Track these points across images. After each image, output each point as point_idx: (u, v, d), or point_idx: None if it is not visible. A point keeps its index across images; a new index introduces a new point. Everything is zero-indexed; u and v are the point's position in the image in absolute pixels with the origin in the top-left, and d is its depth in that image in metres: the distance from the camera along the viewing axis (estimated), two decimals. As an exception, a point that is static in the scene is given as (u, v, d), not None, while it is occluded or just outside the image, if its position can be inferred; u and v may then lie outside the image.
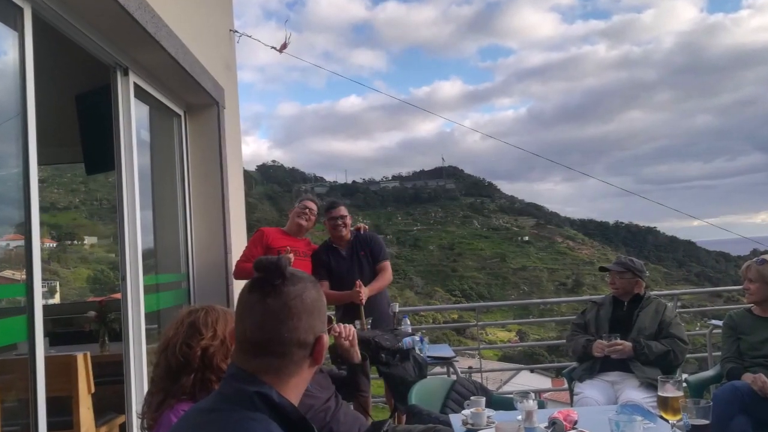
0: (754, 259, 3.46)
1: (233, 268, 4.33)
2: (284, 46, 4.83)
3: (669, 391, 2.23)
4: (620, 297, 3.72)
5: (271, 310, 1.13)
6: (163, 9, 3.23)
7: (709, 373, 3.69)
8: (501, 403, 2.99)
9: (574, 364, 3.75)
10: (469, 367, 5.71)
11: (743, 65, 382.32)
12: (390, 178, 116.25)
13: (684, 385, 3.14)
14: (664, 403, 2.24)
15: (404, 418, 3.35)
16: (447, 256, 77.83)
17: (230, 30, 5.15)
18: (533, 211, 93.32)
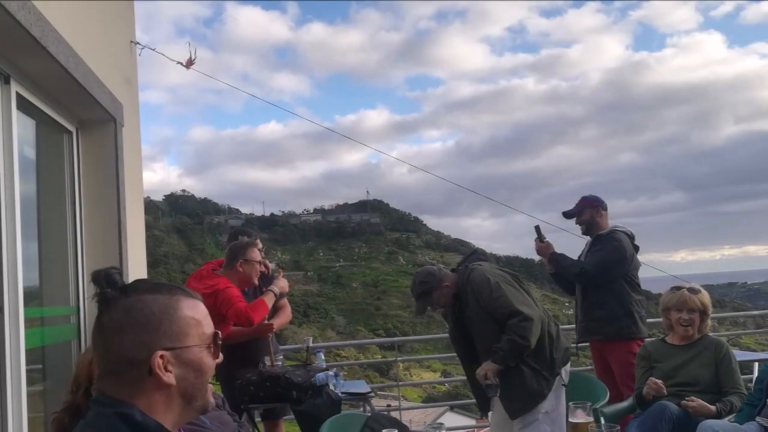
0: (686, 288, 3.66)
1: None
2: (190, 61, 4.77)
3: (579, 417, 2.32)
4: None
5: (102, 326, 1.14)
6: (52, 12, 3.11)
7: (623, 404, 3.85)
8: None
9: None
10: (388, 405, 5.69)
11: (666, 103, 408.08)
12: (312, 211, 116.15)
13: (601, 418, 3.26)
14: (574, 430, 2.32)
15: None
16: (371, 294, 78.00)
17: (131, 41, 5.04)
18: (459, 247, 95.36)
